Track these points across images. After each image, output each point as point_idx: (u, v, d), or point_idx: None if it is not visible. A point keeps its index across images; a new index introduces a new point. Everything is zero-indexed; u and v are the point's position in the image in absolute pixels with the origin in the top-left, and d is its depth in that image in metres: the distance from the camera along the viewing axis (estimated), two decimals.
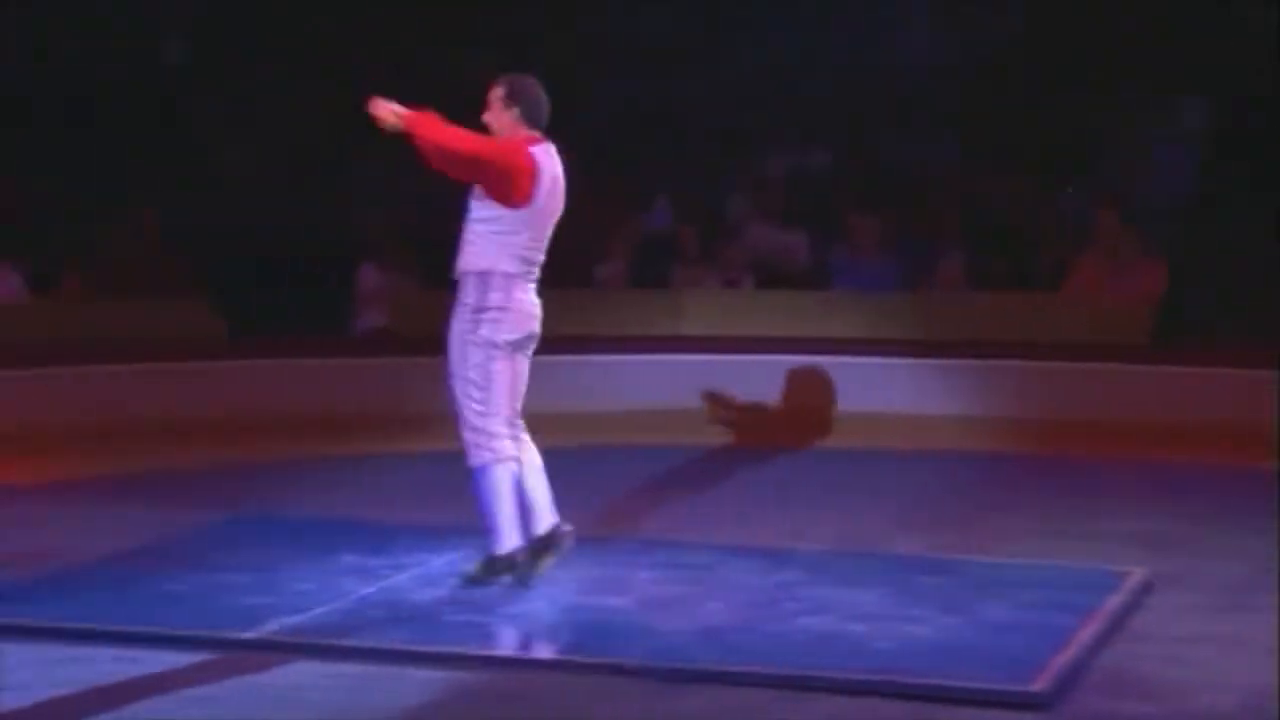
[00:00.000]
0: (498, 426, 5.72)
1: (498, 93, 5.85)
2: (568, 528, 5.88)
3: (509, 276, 5.74)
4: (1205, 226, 10.19)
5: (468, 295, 5.76)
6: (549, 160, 5.81)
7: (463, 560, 6.05)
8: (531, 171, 5.74)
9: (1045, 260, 10.40)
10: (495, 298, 5.73)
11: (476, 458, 5.71)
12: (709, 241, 10.87)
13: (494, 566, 5.76)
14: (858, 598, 5.58)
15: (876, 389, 9.47)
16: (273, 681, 4.82)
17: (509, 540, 5.75)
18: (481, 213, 5.78)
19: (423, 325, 9.90)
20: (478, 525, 6.05)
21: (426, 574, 5.92)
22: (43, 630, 5.19)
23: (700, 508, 7.27)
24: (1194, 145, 10.98)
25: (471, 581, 5.77)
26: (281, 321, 9.67)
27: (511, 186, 5.71)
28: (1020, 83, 11.10)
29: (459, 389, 5.73)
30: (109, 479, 7.74)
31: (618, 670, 4.87)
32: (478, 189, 5.79)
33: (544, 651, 5.24)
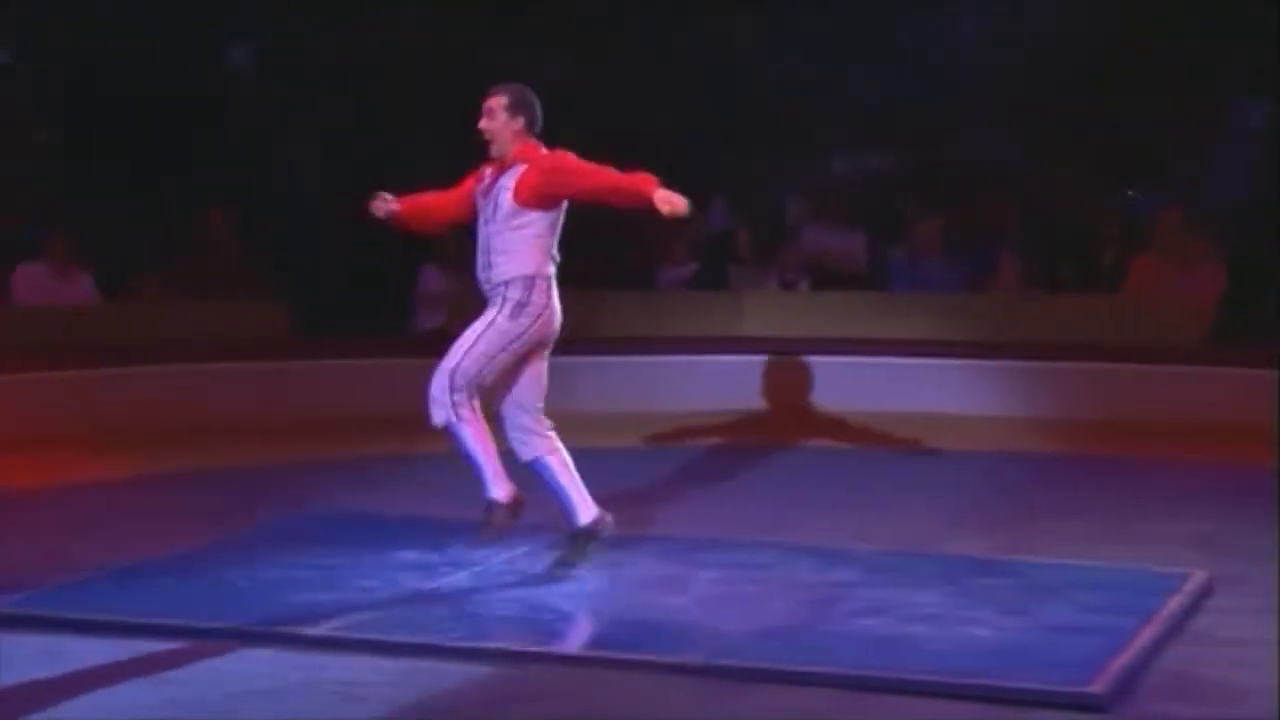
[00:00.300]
0: (474, 391, 5.95)
1: (501, 101, 6.01)
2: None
3: (549, 278, 6.00)
4: (1265, 228, 10.11)
5: (512, 293, 5.96)
6: None
7: (522, 558, 6.13)
8: None
9: (1106, 261, 10.36)
10: (540, 298, 5.96)
11: (451, 414, 5.91)
12: (766, 243, 10.90)
13: (499, 511, 6.02)
14: (917, 598, 5.58)
15: (934, 390, 9.48)
16: (334, 677, 4.88)
17: (500, 488, 6.01)
18: (517, 220, 5.95)
19: None
20: (540, 523, 6.20)
21: (487, 571, 5.98)
22: (112, 624, 5.29)
23: (757, 507, 7.29)
24: (1255, 146, 10.90)
25: (494, 537, 6.02)
26: (346, 322, 9.78)
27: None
28: (1083, 83, 11.04)
29: (462, 352, 5.92)
30: (176, 477, 7.84)
31: (677, 669, 4.88)
32: (508, 198, 5.96)
33: (603, 649, 5.24)
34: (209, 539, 6.43)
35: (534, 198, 5.94)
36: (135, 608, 5.45)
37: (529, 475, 6.11)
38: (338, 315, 9.83)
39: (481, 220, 6.05)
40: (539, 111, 6.05)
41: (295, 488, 7.55)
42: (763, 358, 9.63)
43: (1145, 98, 10.88)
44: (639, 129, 11.11)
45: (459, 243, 10.41)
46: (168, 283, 10.25)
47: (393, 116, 10.80)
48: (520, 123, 6.00)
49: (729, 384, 9.50)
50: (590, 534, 6.09)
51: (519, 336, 5.96)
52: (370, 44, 11.31)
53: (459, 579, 5.88)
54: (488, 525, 6.05)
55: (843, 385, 9.54)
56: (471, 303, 10.47)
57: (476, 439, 5.97)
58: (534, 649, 5.14)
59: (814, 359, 9.63)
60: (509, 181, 5.97)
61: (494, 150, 6.04)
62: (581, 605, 5.61)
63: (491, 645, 5.15)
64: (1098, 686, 4.66)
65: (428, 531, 6.54)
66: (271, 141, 11.45)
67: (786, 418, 9.24)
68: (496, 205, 5.98)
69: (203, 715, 4.56)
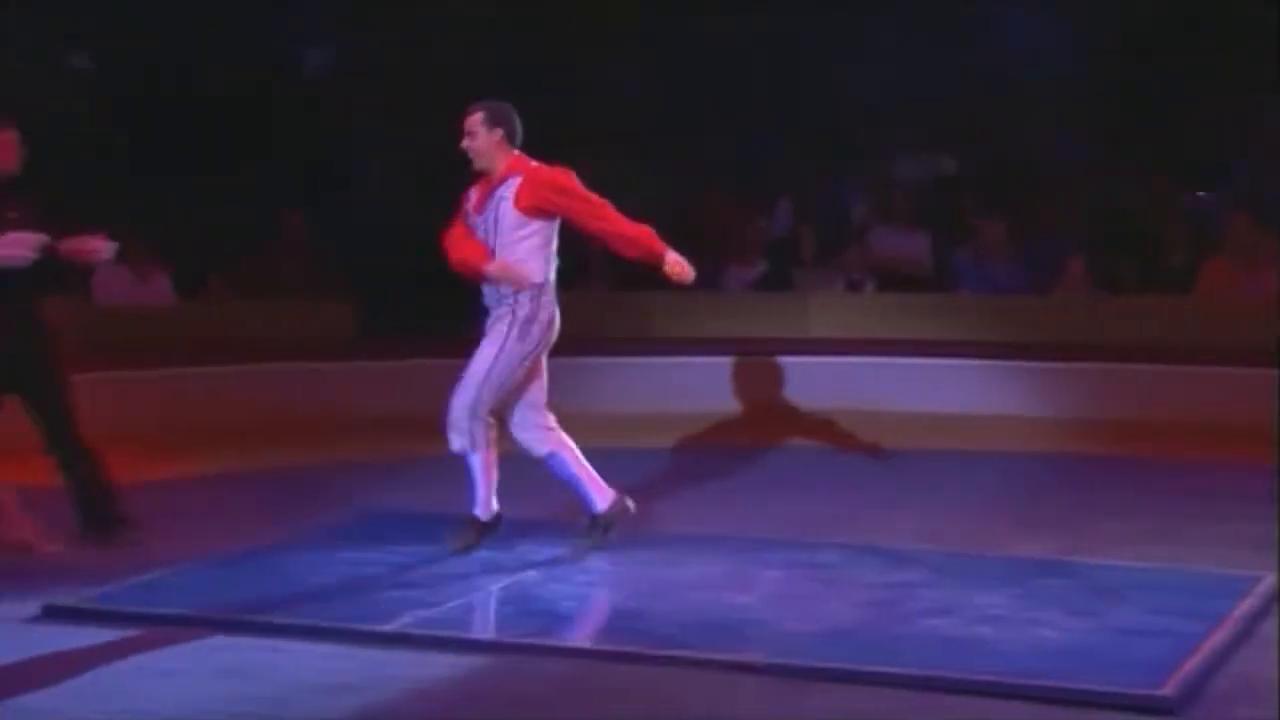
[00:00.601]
0: (491, 419, 6.14)
1: (478, 118, 6.16)
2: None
3: (552, 284, 6.16)
4: None
5: (520, 308, 6.10)
6: None
7: (590, 557, 6.19)
8: None
9: (1175, 263, 10.28)
10: (546, 310, 6.13)
11: (469, 443, 6.11)
12: (831, 244, 10.90)
13: (474, 528, 6.23)
14: (983, 600, 5.58)
15: (997, 391, 9.45)
16: (404, 673, 4.95)
17: (486, 509, 6.21)
18: (522, 230, 6.10)
19: None
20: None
21: (555, 569, 6.04)
22: (186, 618, 5.39)
23: (822, 506, 7.28)
24: None
25: (461, 549, 6.17)
26: (414, 321, 9.86)
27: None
28: (1152, 84, 10.96)
29: (478, 382, 6.07)
30: (250, 474, 7.94)
31: (742, 668, 4.91)
32: (509, 208, 6.09)
33: (669, 648, 5.22)
34: (284, 536, 6.52)
35: (533, 209, 6.07)
36: (209, 603, 5.55)
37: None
38: (406, 315, 9.92)
39: (481, 237, 6.17)
40: (518, 124, 6.19)
41: (366, 486, 7.63)
42: (828, 358, 9.64)
43: (1211, 98, 10.77)
44: (703, 129, 11.14)
45: None
46: (240, 283, 10.38)
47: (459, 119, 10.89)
48: (499, 134, 6.13)
49: (794, 384, 9.51)
50: (609, 520, 6.23)
51: (529, 353, 6.13)
52: (437, 47, 11.41)
53: (527, 577, 5.94)
54: (462, 537, 6.21)
55: (907, 386, 9.53)
56: None
57: (485, 466, 6.18)
58: (601, 647, 5.19)
59: (879, 360, 9.64)
60: (507, 193, 6.11)
61: (478, 165, 6.19)
62: (648, 603, 5.63)
63: (559, 642, 5.20)
64: (1168, 689, 4.65)
65: (497, 530, 6.60)
66: (341, 143, 11.55)
67: (851, 418, 9.23)
68: (498, 218, 6.12)
69: (274, 709, 4.63)
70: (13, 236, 5.92)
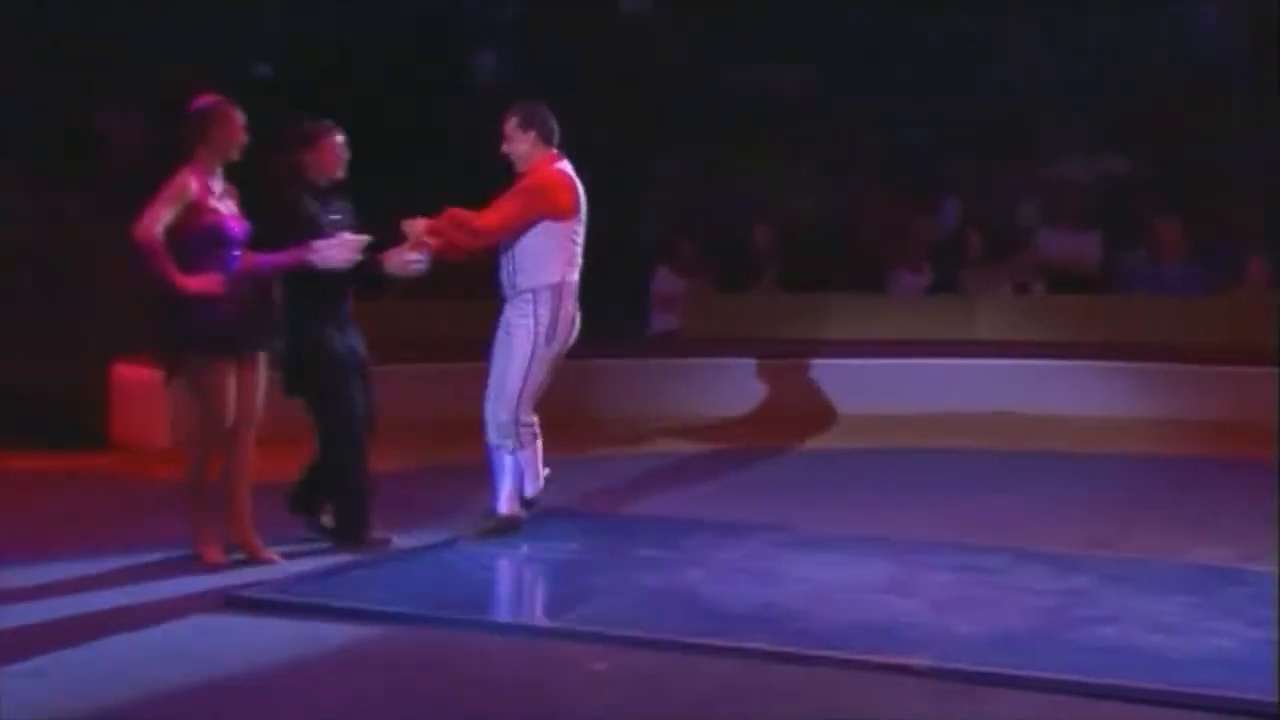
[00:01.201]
0: (530, 417, 6.33)
1: (511, 122, 6.32)
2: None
3: (572, 285, 6.30)
4: None
5: (540, 308, 6.25)
6: (573, 173, 6.32)
7: (754, 555, 6.21)
8: (568, 185, 6.27)
9: None
10: (568, 309, 6.29)
11: (512, 444, 6.32)
12: (998, 246, 10.78)
13: (500, 524, 6.39)
14: (1157, 607, 5.48)
15: (1167, 395, 9.25)
16: (571, 669, 5.01)
17: (514, 505, 6.40)
18: (534, 228, 6.23)
19: (716, 328, 10.12)
20: (771, 522, 6.27)
21: (719, 569, 6.06)
22: (369, 613, 5.48)
23: (987, 510, 7.19)
24: None
25: (482, 536, 6.33)
26: (590, 322, 9.97)
27: (554, 204, 6.23)
28: None
29: (509, 387, 6.27)
30: (431, 469, 8.06)
31: (905, 671, 4.89)
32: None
33: (832, 649, 5.19)
34: (458, 533, 6.58)
35: None
36: (384, 597, 5.68)
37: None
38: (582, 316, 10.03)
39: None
40: (549, 122, 6.32)
41: None
42: (997, 361, 9.54)
43: None
44: (865, 127, 11.07)
45: (693, 247, 10.58)
46: (412, 286, 10.56)
47: (627, 124, 10.99)
48: (532, 135, 6.30)
49: (959, 387, 9.42)
50: (499, 525, 6.41)
51: (557, 354, 6.33)
52: (602, 51, 11.52)
53: (692, 576, 5.97)
54: (484, 531, 6.38)
55: (1074, 389, 9.39)
56: (705, 305, 10.54)
57: (529, 459, 6.38)
58: (763, 647, 5.18)
59: (1045, 362, 9.51)
60: None
61: (519, 168, 6.34)
62: (812, 605, 5.62)
63: (721, 642, 5.21)
64: None
65: (663, 529, 6.66)
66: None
67: (1016, 421, 9.12)
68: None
69: (440, 704, 4.73)
70: (341, 238, 6.10)
